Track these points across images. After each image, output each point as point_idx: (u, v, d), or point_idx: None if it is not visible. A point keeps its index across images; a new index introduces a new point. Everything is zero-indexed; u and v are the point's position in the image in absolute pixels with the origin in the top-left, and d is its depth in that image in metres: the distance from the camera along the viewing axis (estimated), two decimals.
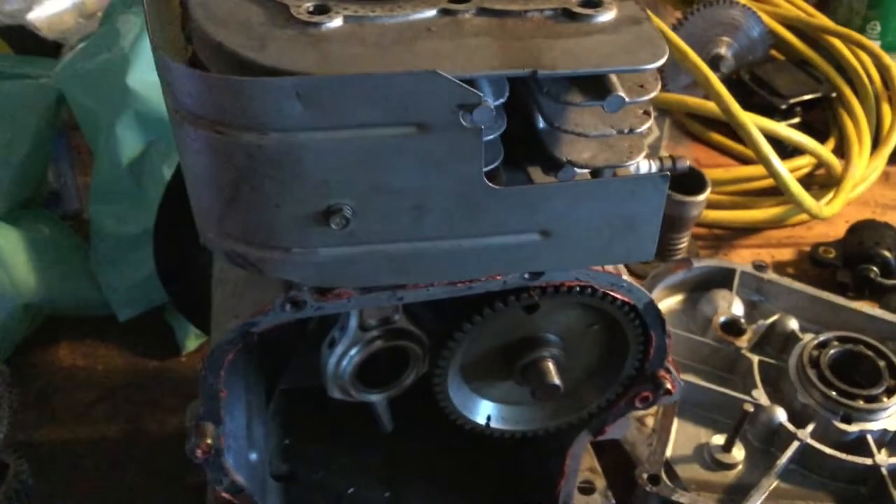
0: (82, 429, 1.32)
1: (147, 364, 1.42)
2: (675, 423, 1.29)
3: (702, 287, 1.49)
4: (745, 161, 1.87)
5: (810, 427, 1.27)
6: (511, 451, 1.10)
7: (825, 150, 1.77)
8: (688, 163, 0.90)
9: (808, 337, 1.36)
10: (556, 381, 0.88)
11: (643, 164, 0.82)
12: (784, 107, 1.93)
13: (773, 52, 2.08)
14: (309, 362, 0.95)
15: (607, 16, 0.70)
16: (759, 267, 1.50)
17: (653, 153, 0.81)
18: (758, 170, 1.73)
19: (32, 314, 1.41)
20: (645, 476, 1.20)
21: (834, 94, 1.97)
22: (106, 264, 1.43)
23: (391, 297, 0.79)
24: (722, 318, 1.41)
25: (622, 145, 0.74)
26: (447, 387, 0.91)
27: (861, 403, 1.27)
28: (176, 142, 0.72)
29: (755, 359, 1.35)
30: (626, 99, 0.68)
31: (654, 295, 1.18)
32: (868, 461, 1.24)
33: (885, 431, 1.27)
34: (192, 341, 1.43)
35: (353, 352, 0.89)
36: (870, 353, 1.33)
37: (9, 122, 1.45)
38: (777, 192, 1.70)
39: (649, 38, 0.69)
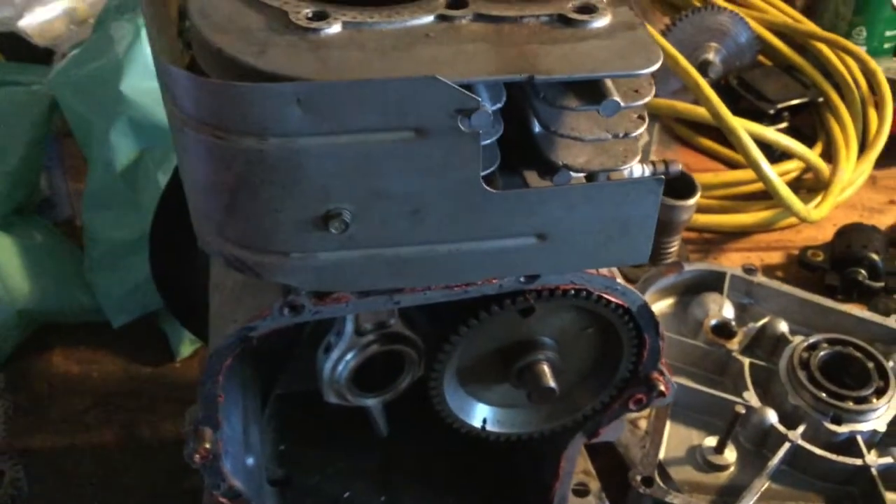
0: (77, 435, 1.32)
1: (142, 370, 1.42)
2: (668, 425, 1.30)
3: (692, 290, 1.51)
4: (734, 165, 1.89)
5: (801, 428, 1.28)
6: (506, 454, 1.10)
7: (813, 155, 1.78)
8: (679, 166, 0.91)
9: (797, 339, 1.38)
10: (552, 383, 0.88)
11: (636, 169, 0.83)
12: (772, 112, 1.95)
13: (761, 58, 2.09)
14: (304, 367, 0.95)
15: (602, 22, 0.71)
16: (748, 270, 1.51)
17: (643, 158, 0.82)
18: (747, 174, 1.74)
19: (26, 321, 1.41)
20: (638, 478, 1.20)
21: (821, 99, 1.98)
22: (100, 271, 1.43)
23: (388, 301, 0.80)
24: (713, 321, 1.42)
25: (617, 149, 0.75)
26: (443, 390, 0.91)
27: (850, 405, 1.28)
28: (175, 147, 0.73)
29: (746, 361, 1.37)
30: (622, 103, 0.69)
31: (646, 298, 1.19)
32: (858, 462, 1.25)
33: (874, 432, 1.28)
34: (187, 347, 1.43)
35: (349, 356, 0.89)
36: (859, 354, 1.34)
37: (1, 129, 1.45)
38: (766, 196, 1.72)
39: (644, 43, 0.70)
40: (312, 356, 0.91)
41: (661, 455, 1.26)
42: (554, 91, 0.70)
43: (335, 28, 0.68)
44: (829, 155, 1.86)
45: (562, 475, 1.05)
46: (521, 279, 0.80)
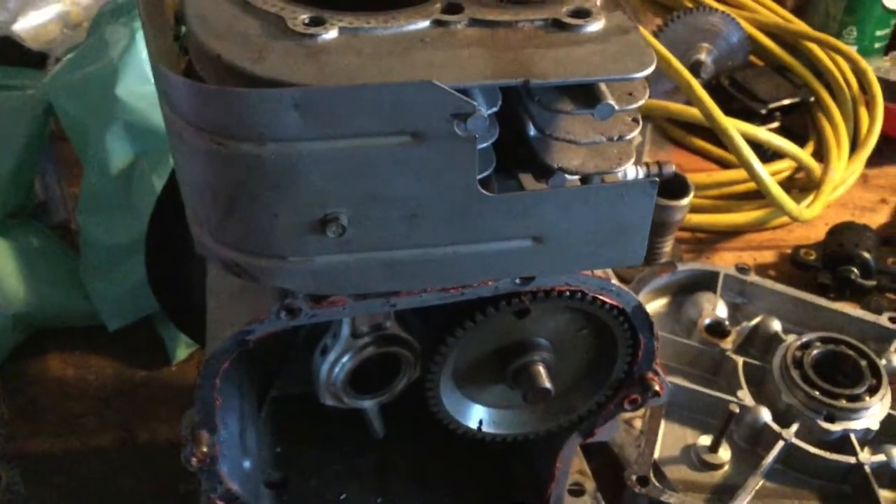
0: (73, 439, 1.32)
1: (137, 374, 1.42)
2: (663, 424, 1.30)
3: (686, 290, 1.51)
4: (726, 165, 1.89)
5: (794, 427, 1.28)
6: (502, 455, 1.11)
7: (805, 154, 1.79)
8: (673, 168, 0.92)
9: (790, 338, 1.38)
10: (548, 384, 0.89)
11: (630, 171, 0.84)
12: (764, 112, 1.96)
13: (753, 58, 2.10)
14: (300, 369, 0.95)
15: (596, 26, 0.72)
16: (741, 269, 1.52)
17: (637, 159, 0.82)
18: (739, 174, 1.75)
19: (22, 325, 1.41)
20: (634, 477, 1.21)
21: (812, 99, 2.00)
22: (95, 274, 1.42)
23: (384, 304, 0.80)
24: (706, 321, 1.43)
25: (611, 152, 0.76)
26: (439, 392, 0.91)
27: (844, 403, 1.29)
28: (172, 151, 0.73)
29: (739, 360, 1.37)
30: (616, 107, 0.69)
31: (640, 298, 1.19)
32: (852, 459, 1.26)
33: (867, 430, 1.29)
34: (183, 350, 1.43)
35: (345, 359, 0.89)
36: (851, 353, 1.35)
37: None
38: (758, 195, 1.73)
39: (637, 47, 0.71)
40: (308, 358, 0.92)
41: (656, 454, 1.26)
42: (549, 95, 0.70)
43: (332, 33, 0.68)
44: (821, 154, 1.87)
45: (557, 475, 1.05)
46: (517, 281, 0.81)
